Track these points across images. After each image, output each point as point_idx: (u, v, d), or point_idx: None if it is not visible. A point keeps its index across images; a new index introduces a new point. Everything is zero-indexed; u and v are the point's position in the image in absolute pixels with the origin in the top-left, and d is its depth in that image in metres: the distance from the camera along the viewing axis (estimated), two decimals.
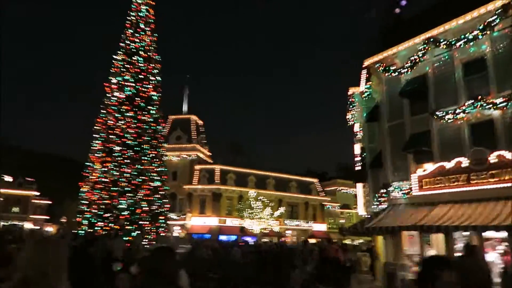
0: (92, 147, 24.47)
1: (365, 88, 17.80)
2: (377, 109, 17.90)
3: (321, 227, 52.68)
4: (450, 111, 14.10)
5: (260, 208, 41.16)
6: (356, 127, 25.11)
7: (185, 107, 51.40)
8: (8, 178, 60.85)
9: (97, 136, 24.40)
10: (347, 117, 22.66)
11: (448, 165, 13.67)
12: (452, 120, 14.13)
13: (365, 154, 20.78)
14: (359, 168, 22.86)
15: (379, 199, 17.12)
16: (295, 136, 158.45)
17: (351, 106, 20.64)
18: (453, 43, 13.89)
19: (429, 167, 15.06)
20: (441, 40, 14.33)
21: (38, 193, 61.81)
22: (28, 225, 58.70)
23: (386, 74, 16.52)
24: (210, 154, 51.29)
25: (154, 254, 2.86)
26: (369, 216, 21.49)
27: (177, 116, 49.67)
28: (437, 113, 14.45)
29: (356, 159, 26.41)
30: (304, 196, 51.56)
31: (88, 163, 24.30)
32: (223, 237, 40.91)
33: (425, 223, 13.43)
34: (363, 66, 17.41)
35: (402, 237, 15.88)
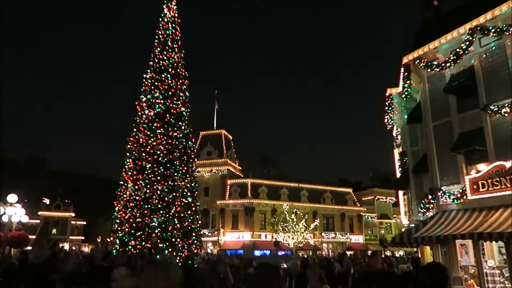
0: (125, 166, 24.49)
1: (405, 87, 16.59)
2: (418, 109, 16.66)
3: (358, 238, 50.64)
4: (506, 104, 12.75)
5: (294, 221, 39.91)
6: (395, 131, 23.81)
7: (214, 122, 51.35)
8: (45, 201, 62.57)
9: (129, 154, 24.52)
10: (385, 120, 21.45)
11: (508, 164, 12.27)
12: (508, 114, 12.75)
13: (406, 158, 19.42)
14: (400, 174, 21.47)
15: (427, 205, 15.74)
16: (320, 145, 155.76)
17: (389, 109, 19.40)
18: (504, 29, 12.62)
19: (483, 167, 13.66)
20: (490, 28, 13.09)
21: (74, 214, 63.08)
22: (66, 246, 59.83)
23: (428, 70, 15.32)
24: (241, 168, 50.73)
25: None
26: (413, 225, 20.00)
27: (207, 132, 49.58)
28: (491, 107, 13.12)
29: (396, 165, 25.02)
30: (339, 207, 49.84)
31: (121, 182, 24.33)
32: (257, 252, 39.88)
33: (484, 230, 12.02)
34: (402, 63, 16.25)
35: (455, 247, 14.46)
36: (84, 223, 65.28)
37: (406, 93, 16.81)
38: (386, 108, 19.74)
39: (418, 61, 15.40)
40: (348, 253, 45.20)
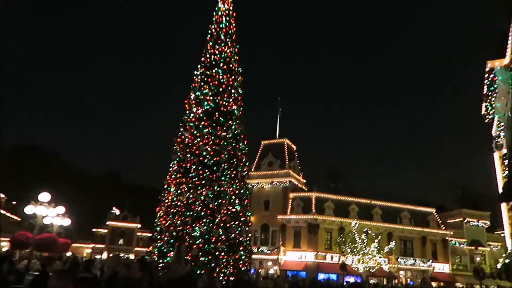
0: (169, 169, 22.27)
1: None
2: None
3: (444, 267, 43.13)
4: None
5: (365, 242, 34.59)
6: (495, 127, 18.40)
7: (277, 131, 48.13)
8: (115, 211, 64.09)
9: (174, 156, 22.31)
10: (482, 111, 16.35)
11: None
12: None
13: None
14: (507, 180, 16.04)
15: None
16: (396, 163, 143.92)
17: (490, 90, 14.44)
18: None
19: None
20: None
21: (140, 226, 63.59)
22: (132, 257, 59.97)
23: None
24: (305, 181, 46.51)
25: None
26: None
27: (268, 141, 46.56)
28: None
29: (498, 172, 19.47)
30: (420, 229, 43.02)
31: (165, 186, 22.09)
32: (321, 276, 35.18)
33: None
34: None
35: None
36: (149, 235, 65.54)
37: None
38: (485, 90, 14.77)
39: None
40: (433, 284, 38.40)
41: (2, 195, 45.35)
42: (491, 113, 16.07)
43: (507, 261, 20.13)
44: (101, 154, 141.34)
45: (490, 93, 14.83)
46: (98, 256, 55.61)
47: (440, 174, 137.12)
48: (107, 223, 62.14)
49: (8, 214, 45.95)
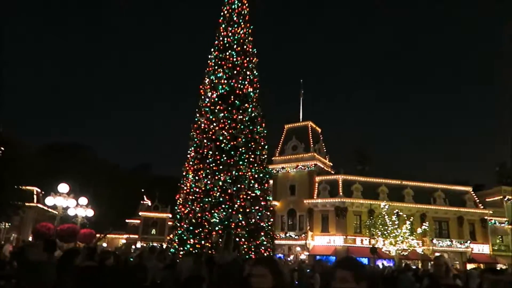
0: (187, 155, 21.98)
1: None
2: None
3: (483, 248, 40.99)
4: None
5: (396, 224, 33.20)
6: None
7: (300, 114, 46.94)
8: (147, 202, 65.30)
9: (191, 142, 21.98)
10: None
11: None
12: None
13: None
14: None
15: None
16: (428, 144, 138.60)
17: None
18: None
19: None
20: None
21: (171, 215, 64.50)
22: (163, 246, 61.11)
23: None
24: (331, 164, 45.25)
25: None
26: None
27: (292, 125, 45.51)
28: None
29: None
30: (456, 209, 40.87)
31: (183, 173, 21.83)
32: None
33: None
34: None
35: None
36: None
37: None
38: None
39: None
40: (469, 266, 36.44)
41: (39, 190, 47.11)
42: None
43: None
44: (126, 148, 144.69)
45: None
46: (133, 246, 56.89)
47: (478, 157, 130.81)
48: (139, 213, 63.44)
49: (45, 208, 47.74)
